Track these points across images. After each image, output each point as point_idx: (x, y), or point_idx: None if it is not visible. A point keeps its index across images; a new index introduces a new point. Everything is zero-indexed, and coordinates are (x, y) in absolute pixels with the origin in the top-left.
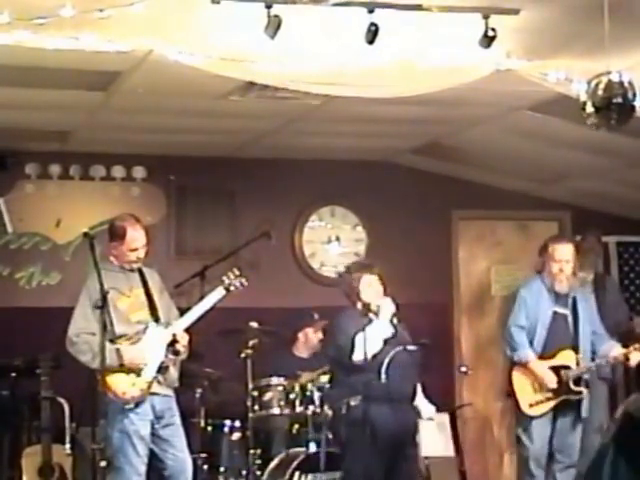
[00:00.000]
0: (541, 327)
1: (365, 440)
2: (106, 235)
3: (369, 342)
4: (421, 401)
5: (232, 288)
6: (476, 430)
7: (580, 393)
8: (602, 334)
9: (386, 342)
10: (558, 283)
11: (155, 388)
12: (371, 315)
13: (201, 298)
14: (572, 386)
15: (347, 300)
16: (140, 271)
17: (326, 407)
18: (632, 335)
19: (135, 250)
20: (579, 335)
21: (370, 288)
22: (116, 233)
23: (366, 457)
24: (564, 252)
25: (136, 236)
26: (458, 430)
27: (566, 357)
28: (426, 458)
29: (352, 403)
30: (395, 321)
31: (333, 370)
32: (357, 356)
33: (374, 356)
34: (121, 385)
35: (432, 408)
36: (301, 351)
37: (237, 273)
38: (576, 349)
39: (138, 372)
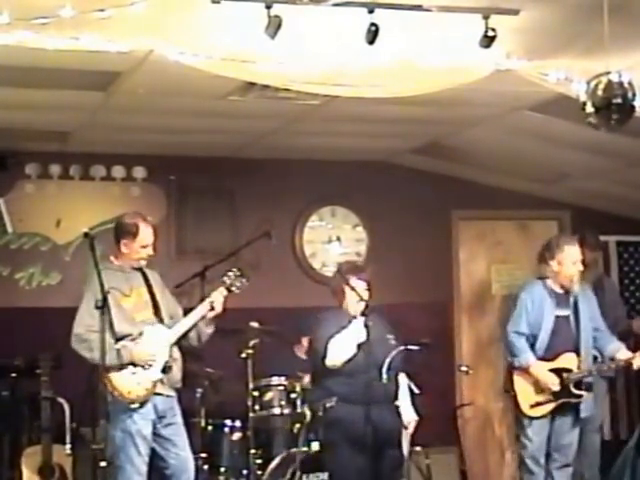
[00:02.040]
0: (544, 332)
1: (342, 441)
2: (106, 235)
3: (342, 347)
4: (405, 405)
5: (233, 288)
6: (477, 429)
7: (581, 396)
8: (605, 331)
9: (360, 347)
10: (575, 284)
11: (158, 388)
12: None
13: (202, 299)
14: (573, 389)
15: (334, 299)
16: (142, 271)
17: (305, 408)
18: (630, 334)
19: (146, 247)
20: (581, 336)
21: (353, 291)
22: (127, 230)
23: (345, 458)
24: (578, 252)
25: (148, 232)
26: (459, 429)
27: (568, 360)
28: None
29: (327, 405)
30: (370, 324)
31: (313, 372)
32: (329, 361)
33: (348, 361)
34: (127, 384)
35: (413, 417)
36: (303, 353)
37: (237, 273)
38: (578, 351)
39: (145, 369)
